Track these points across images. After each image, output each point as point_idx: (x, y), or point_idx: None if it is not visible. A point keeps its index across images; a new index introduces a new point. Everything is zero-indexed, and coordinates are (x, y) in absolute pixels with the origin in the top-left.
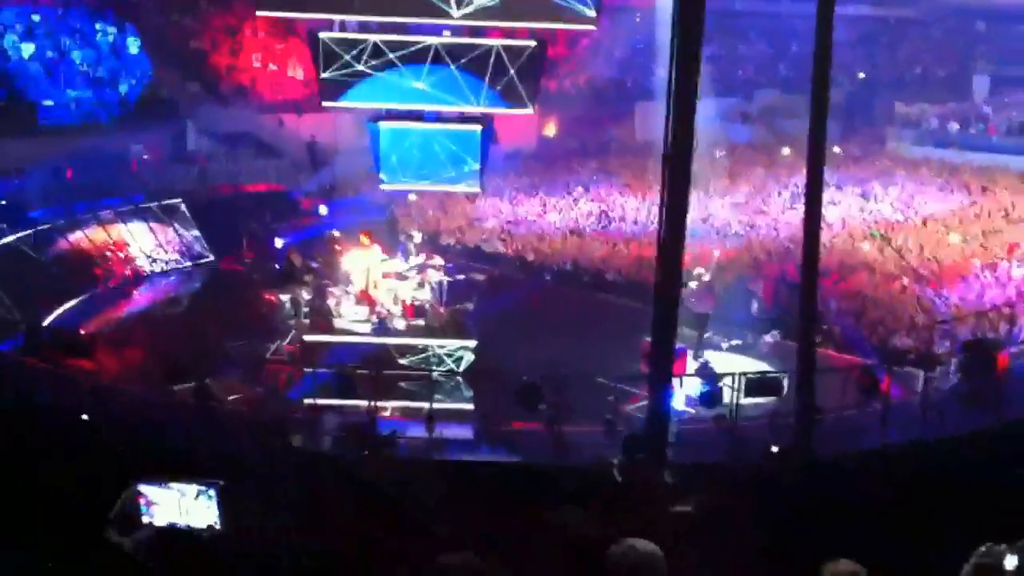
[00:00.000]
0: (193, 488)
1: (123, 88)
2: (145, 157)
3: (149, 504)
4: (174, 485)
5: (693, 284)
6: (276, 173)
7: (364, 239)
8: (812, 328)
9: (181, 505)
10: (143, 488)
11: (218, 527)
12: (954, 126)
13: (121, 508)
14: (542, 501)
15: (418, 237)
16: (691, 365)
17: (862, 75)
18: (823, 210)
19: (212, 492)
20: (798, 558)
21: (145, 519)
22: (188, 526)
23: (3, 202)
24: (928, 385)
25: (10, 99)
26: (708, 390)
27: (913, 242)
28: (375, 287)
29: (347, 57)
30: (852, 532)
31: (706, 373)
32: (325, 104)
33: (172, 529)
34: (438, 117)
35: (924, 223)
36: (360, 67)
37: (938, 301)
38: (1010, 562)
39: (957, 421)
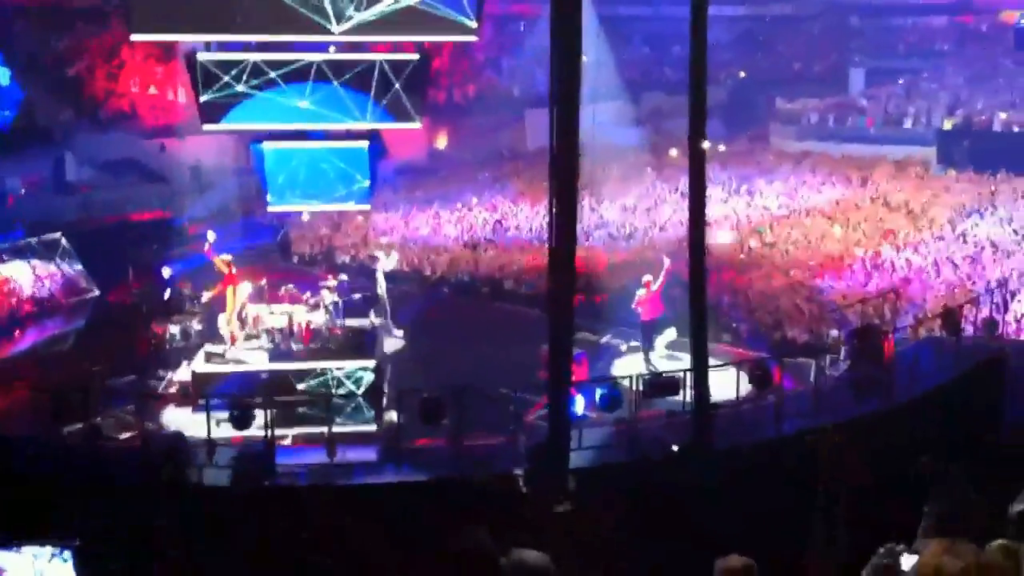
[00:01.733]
0: (47, 550)
1: None
2: (23, 191)
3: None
4: (26, 548)
5: (641, 292)
6: (161, 200)
7: (221, 264)
8: (703, 325)
9: (35, 569)
10: None
11: None
12: (833, 119)
13: None
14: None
15: (390, 262)
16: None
17: (743, 73)
18: (710, 207)
19: (68, 554)
20: (697, 553)
21: None
22: None
23: None
24: (819, 374)
25: None
26: (608, 394)
27: (798, 235)
28: (240, 314)
29: (227, 78)
30: (748, 524)
31: (605, 377)
32: (206, 127)
33: None
34: (324, 135)
35: (808, 215)
36: (241, 88)
37: (825, 291)
38: (907, 562)
39: (848, 408)
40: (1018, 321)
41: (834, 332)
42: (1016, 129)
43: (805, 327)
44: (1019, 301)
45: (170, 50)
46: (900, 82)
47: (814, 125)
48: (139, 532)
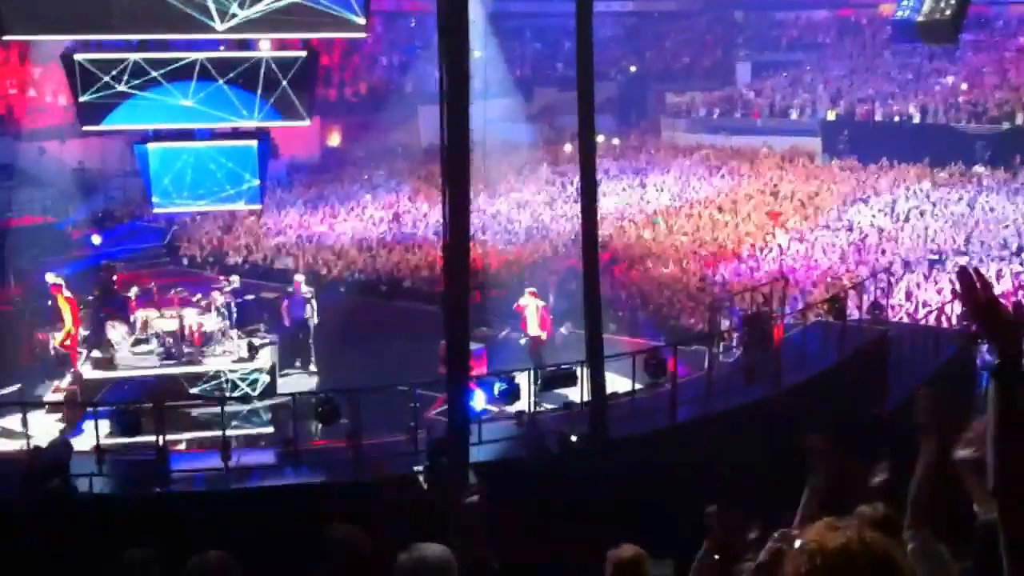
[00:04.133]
0: None
1: None
2: None
3: None
4: None
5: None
6: (42, 204)
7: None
8: (598, 316)
9: None
10: None
11: None
12: (720, 112)
13: None
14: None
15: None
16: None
17: (633, 68)
18: (605, 201)
19: None
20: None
21: None
22: None
23: None
24: (712, 361)
25: None
26: (506, 387)
27: (690, 225)
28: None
29: (107, 78)
30: (646, 512)
31: (503, 371)
32: (86, 128)
33: None
34: (211, 134)
35: (699, 206)
36: (122, 88)
37: (717, 280)
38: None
39: (740, 393)
40: (901, 305)
41: (726, 321)
42: (896, 119)
43: (698, 316)
44: (902, 286)
45: (47, 51)
46: (784, 75)
47: (703, 118)
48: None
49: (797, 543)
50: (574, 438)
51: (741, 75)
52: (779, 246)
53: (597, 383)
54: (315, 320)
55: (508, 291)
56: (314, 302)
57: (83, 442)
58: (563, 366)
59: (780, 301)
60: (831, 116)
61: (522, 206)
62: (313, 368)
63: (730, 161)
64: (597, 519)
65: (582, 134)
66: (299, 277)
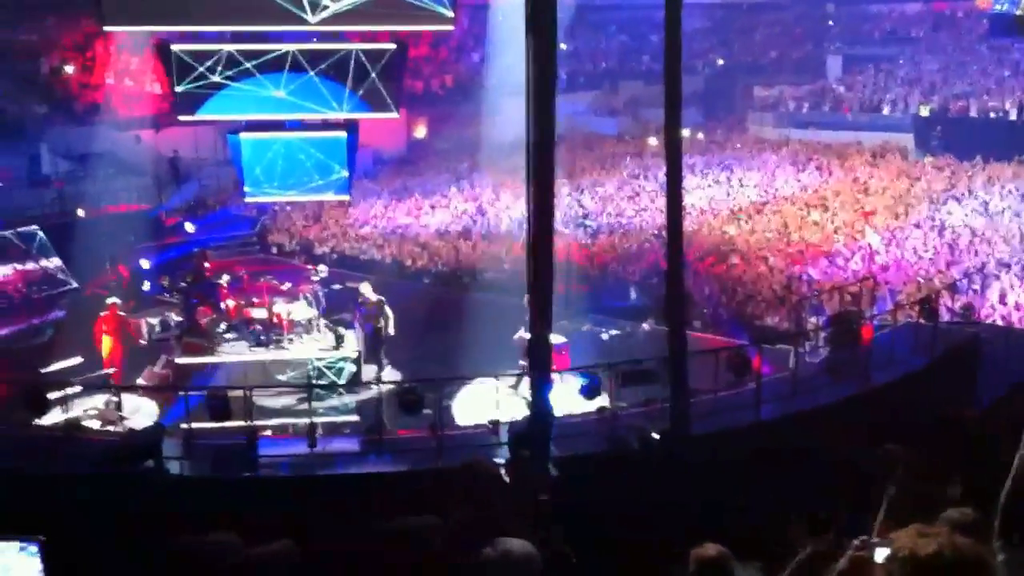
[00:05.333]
0: (13, 544)
1: None
2: None
3: None
4: None
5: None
6: (137, 192)
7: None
8: (680, 313)
9: (2, 563)
10: None
11: None
12: (810, 107)
13: None
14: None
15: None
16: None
17: (721, 61)
18: (689, 196)
19: (34, 548)
20: (674, 541)
21: None
22: None
23: None
24: (798, 360)
25: None
26: (588, 382)
27: (777, 222)
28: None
29: (201, 68)
30: (727, 511)
31: (585, 366)
32: (182, 118)
33: None
34: (301, 125)
35: (787, 202)
36: (216, 78)
37: (803, 278)
38: (880, 555)
39: (826, 392)
40: (994, 307)
41: (813, 319)
42: (992, 115)
43: (784, 314)
44: (995, 287)
45: (145, 41)
46: (877, 69)
47: (791, 112)
48: (112, 525)
49: (883, 551)
50: (655, 435)
51: (832, 69)
52: (868, 245)
53: (679, 381)
54: (390, 331)
55: (591, 285)
56: (387, 310)
57: (174, 425)
58: (644, 361)
59: (869, 301)
60: (924, 112)
61: (606, 199)
62: (385, 376)
63: (819, 156)
64: (678, 517)
65: (668, 128)
66: (364, 288)
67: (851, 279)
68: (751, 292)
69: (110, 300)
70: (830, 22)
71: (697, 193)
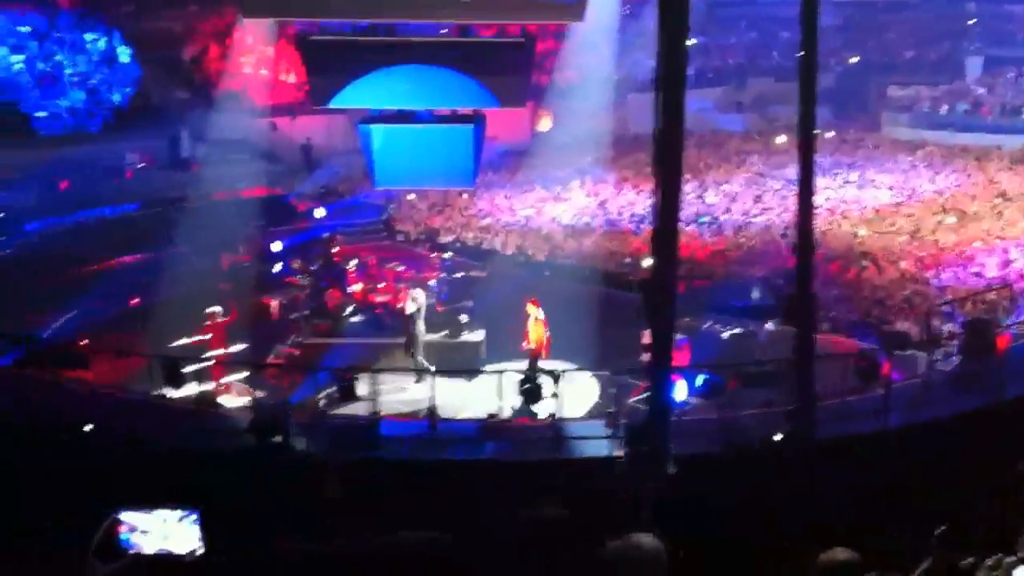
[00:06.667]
0: (176, 513)
1: (116, 97)
2: (140, 165)
3: (132, 530)
4: (157, 511)
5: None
6: (271, 177)
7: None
8: (809, 314)
9: (164, 531)
10: (126, 515)
11: (200, 552)
12: (947, 108)
13: (103, 536)
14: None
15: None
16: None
17: (854, 59)
18: (818, 196)
19: (194, 516)
20: (798, 545)
21: (130, 547)
22: (170, 552)
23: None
24: (930, 367)
25: (3, 111)
26: (709, 380)
27: (910, 225)
28: None
29: (336, 59)
30: (850, 517)
31: (708, 364)
32: (316, 107)
33: (155, 556)
34: (430, 116)
35: (920, 205)
36: (349, 69)
37: (936, 283)
38: (1020, 573)
39: (955, 402)
40: None
41: (947, 326)
42: None
43: (915, 320)
44: None
45: (281, 31)
46: (1019, 71)
47: (927, 113)
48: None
49: (1021, 573)
50: (777, 437)
51: (971, 69)
52: (1004, 251)
53: (805, 384)
54: (421, 333)
55: (713, 282)
56: (420, 316)
57: (302, 403)
58: (768, 362)
59: (1006, 309)
60: None
61: (731, 197)
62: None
63: (955, 160)
64: (795, 520)
65: (802, 126)
66: (415, 293)
67: (986, 286)
68: (881, 296)
69: (210, 310)
70: (970, 22)
71: (826, 193)
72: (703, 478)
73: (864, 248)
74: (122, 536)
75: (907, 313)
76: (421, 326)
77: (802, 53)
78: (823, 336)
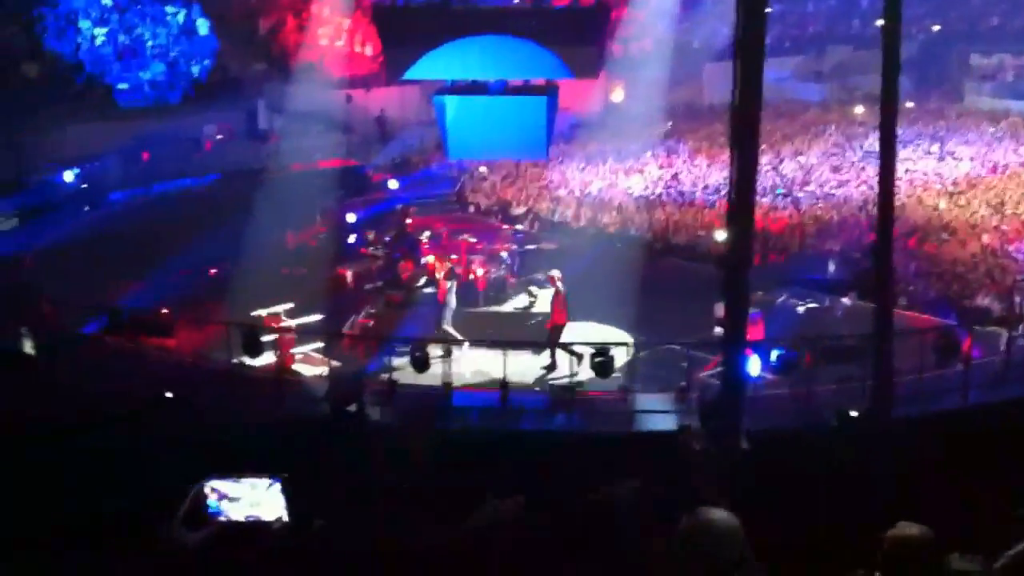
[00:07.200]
0: (264, 480)
1: (195, 69)
2: (218, 137)
3: (221, 498)
4: (245, 478)
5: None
6: (347, 148)
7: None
8: (887, 290)
9: (253, 498)
10: (215, 483)
11: (286, 519)
12: None
13: (190, 504)
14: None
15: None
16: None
17: (936, 27)
18: (898, 168)
19: (280, 484)
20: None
21: (218, 514)
22: (258, 519)
23: (85, 185)
24: (1011, 344)
25: (86, 84)
26: (784, 356)
27: (992, 198)
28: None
29: (412, 32)
30: (926, 495)
31: (783, 338)
32: (391, 78)
33: (243, 524)
34: (503, 87)
35: (1003, 178)
36: (424, 41)
37: (1020, 257)
38: None
39: None
40: None
41: None
42: None
43: (996, 295)
44: None
45: (357, 4)
46: None
47: (1011, 83)
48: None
49: None
50: (854, 413)
51: None
52: None
53: (883, 360)
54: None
55: (788, 255)
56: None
57: (376, 373)
58: (846, 338)
59: None
60: None
61: (807, 168)
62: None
63: None
64: (872, 498)
65: (884, 97)
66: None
67: None
68: (961, 271)
69: (269, 312)
70: None
71: (907, 165)
72: (778, 453)
73: (944, 221)
74: (210, 503)
75: (988, 288)
76: (452, 299)
77: (884, 21)
78: (901, 312)
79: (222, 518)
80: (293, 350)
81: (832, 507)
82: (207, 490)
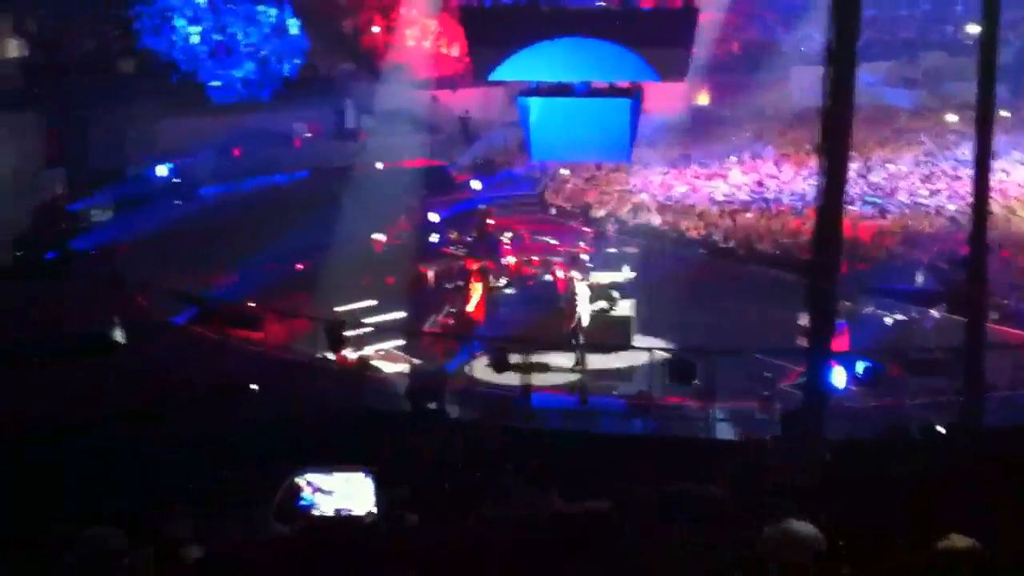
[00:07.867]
0: (358, 474)
1: (285, 67)
2: (307, 135)
3: (315, 491)
4: (338, 471)
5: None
6: (432, 148)
7: None
8: (980, 303)
9: (345, 491)
10: (310, 476)
11: (375, 512)
12: None
13: (283, 497)
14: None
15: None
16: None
17: None
18: (992, 178)
19: (371, 478)
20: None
21: (311, 507)
22: (350, 512)
23: (177, 180)
24: None
25: (180, 80)
26: (870, 368)
27: None
28: None
29: (498, 33)
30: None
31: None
32: (477, 79)
33: (335, 517)
34: (588, 89)
35: None
36: (510, 42)
37: None
38: None
39: None
40: None
41: None
42: None
43: None
44: None
45: (444, 5)
46: None
47: None
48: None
49: None
50: (941, 428)
51: None
52: None
53: (975, 374)
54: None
55: (876, 264)
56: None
57: (457, 371)
58: (936, 351)
59: None
60: None
61: (897, 176)
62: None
63: None
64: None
65: (981, 106)
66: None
67: None
68: None
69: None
70: None
71: (1000, 175)
72: (861, 465)
73: None
74: (303, 497)
75: None
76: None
77: (981, 27)
78: (993, 326)
79: (314, 511)
80: (374, 347)
81: (916, 521)
82: (302, 483)
